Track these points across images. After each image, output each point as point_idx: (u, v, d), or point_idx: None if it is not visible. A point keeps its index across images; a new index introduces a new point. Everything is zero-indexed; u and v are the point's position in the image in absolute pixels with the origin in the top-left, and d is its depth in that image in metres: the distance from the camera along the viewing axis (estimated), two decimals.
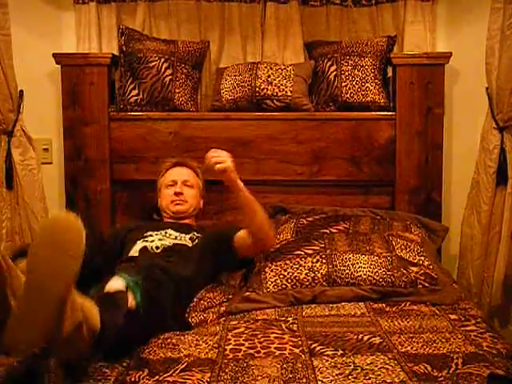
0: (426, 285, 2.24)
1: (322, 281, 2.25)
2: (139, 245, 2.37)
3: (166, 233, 2.43)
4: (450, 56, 2.88)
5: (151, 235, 2.41)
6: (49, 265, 1.37)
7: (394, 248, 2.37)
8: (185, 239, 2.41)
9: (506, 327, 3.00)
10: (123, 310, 1.67)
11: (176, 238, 2.41)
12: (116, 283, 1.78)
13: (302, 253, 2.35)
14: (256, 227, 2.23)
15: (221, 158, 2.16)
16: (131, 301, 1.74)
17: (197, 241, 2.41)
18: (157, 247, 2.34)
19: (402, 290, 2.23)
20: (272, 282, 2.25)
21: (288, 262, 2.31)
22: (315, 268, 2.27)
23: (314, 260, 2.30)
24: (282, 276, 2.27)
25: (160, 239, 2.38)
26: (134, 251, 2.34)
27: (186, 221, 2.60)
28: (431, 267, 2.31)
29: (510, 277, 2.88)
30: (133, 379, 1.56)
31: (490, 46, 2.74)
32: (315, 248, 2.37)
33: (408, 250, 2.38)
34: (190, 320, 2.05)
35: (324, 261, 2.30)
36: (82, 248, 1.42)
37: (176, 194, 2.54)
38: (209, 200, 2.81)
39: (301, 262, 2.30)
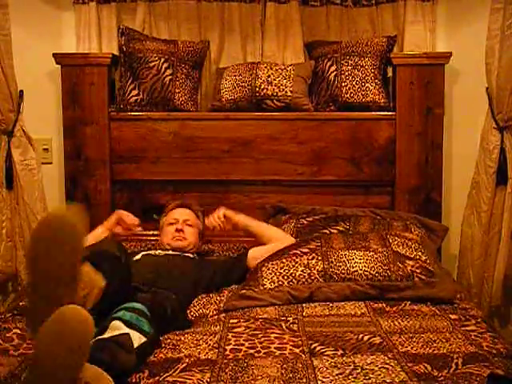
0: (423, 277, 2.23)
1: (318, 277, 2.24)
2: (141, 253, 2.47)
3: (167, 250, 2.52)
4: (449, 56, 2.88)
5: (154, 249, 2.54)
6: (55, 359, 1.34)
7: (390, 244, 2.36)
8: (185, 255, 2.50)
9: (506, 327, 3.01)
10: (132, 358, 1.59)
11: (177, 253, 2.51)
12: (116, 328, 1.65)
13: (298, 252, 2.35)
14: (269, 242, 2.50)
15: (216, 216, 2.53)
16: (140, 338, 1.66)
17: (197, 257, 2.53)
18: (159, 253, 2.46)
19: (399, 283, 2.22)
20: (268, 280, 2.25)
21: (284, 260, 2.32)
22: (311, 264, 2.27)
23: (310, 257, 2.30)
24: (278, 273, 2.26)
25: (162, 251, 2.50)
26: (137, 256, 2.42)
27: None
28: (428, 261, 2.30)
29: (510, 277, 2.89)
30: (134, 380, 1.56)
31: (490, 46, 2.74)
32: (311, 247, 2.37)
33: (405, 246, 2.36)
34: (189, 315, 2.08)
35: (320, 257, 2.30)
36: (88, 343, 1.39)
37: (177, 230, 2.58)
38: (209, 200, 2.87)
39: (296, 260, 2.30)
